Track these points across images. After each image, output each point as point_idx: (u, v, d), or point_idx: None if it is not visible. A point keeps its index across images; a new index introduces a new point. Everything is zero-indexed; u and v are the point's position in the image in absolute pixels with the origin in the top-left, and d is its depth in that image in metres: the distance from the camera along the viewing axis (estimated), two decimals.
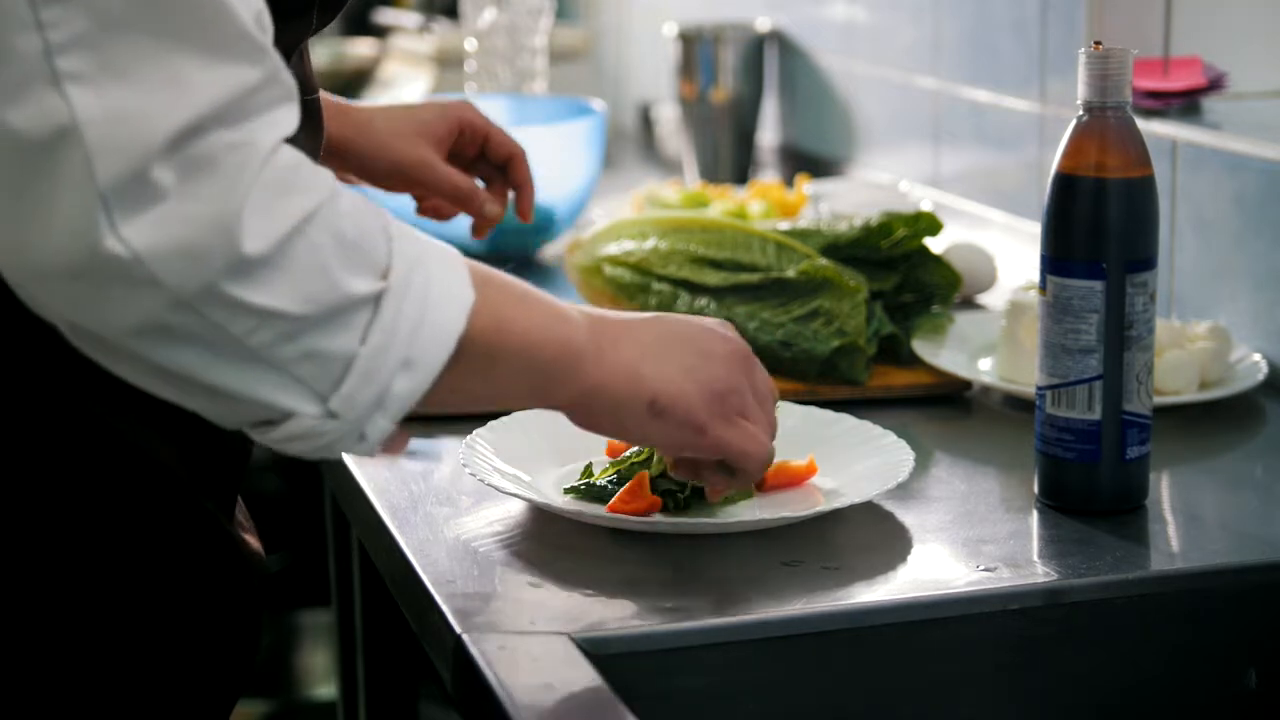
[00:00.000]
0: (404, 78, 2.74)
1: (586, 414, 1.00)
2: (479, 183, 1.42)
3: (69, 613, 0.97)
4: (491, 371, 0.93)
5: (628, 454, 1.15)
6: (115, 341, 0.84)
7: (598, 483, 1.14)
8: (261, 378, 0.85)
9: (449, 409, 0.97)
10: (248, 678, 1.08)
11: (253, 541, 1.09)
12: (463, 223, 1.56)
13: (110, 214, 0.80)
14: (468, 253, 1.53)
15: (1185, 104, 1.57)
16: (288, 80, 0.86)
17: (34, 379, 0.93)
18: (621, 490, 1.11)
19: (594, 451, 1.17)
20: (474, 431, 1.19)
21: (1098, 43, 1.11)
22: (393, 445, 0.94)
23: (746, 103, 2.34)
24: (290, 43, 1.01)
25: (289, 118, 0.86)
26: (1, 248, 0.82)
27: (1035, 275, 1.17)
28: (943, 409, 1.37)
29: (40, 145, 0.80)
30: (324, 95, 1.35)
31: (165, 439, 0.98)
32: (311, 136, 1.07)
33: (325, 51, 3.02)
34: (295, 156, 0.86)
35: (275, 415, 0.87)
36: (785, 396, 1.32)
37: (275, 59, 0.86)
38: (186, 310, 0.82)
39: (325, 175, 0.87)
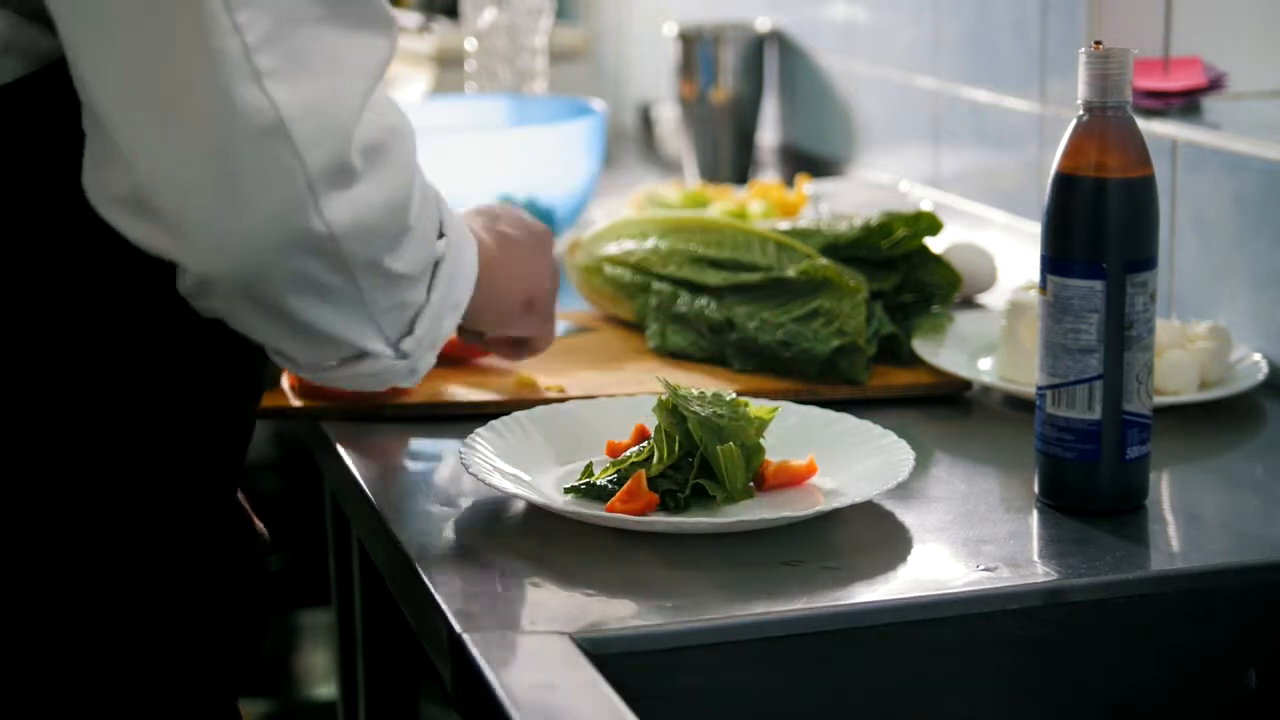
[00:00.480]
0: (404, 78, 2.74)
1: (484, 318, 1.18)
2: None
3: (81, 595, 0.98)
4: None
5: (628, 454, 1.15)
6: (272, 298, 0.91)
7: (598, 483, 1.14)
8: (361, 325, 0.96)
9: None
10: (256, 659, 1.11)
11: (258, 523, 1.11)
12: None
13: (316, 197, 0.88)
14: None
15: (1185, 104, 1.57)
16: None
17: (45, 366, 0.93)
18: (620, 490, 1.11)
19: (594, 451, 1.18)
20: (474, 431, 1.19)
21: (1098, 43, 1.11)
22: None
23: (746, 103, 2.34)
24: None
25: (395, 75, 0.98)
26: (199, 242, 0.88)
27: (1035, 275, 1.17)
28: (943, 409, 1.37)
29: (251, 139, 0.86)
30: None
31: (170, 424, 0.99)
32: None
33: None
34: (382, 124, 0.94)
35: (353, 354, 0.98)
36: (785, 396, 1.32)
37: (397, 24, 0.94)
38: (344, 274, 0.92)
39: (400, 140, 0.95)
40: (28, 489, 0.95)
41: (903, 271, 1.47)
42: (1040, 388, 1.15)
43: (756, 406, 1.18)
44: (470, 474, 1.13)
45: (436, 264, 1.00)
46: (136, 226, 0.89)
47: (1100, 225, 1.11)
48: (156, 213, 0.88)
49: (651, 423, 1.16)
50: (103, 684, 1.00)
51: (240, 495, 1.11)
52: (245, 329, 0.95)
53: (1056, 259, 1.13)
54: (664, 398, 1.14)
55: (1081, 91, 1.11)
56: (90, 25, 0.86)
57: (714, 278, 1.46)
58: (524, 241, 1.21)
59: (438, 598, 1.01)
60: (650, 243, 1.52)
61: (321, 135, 0.88)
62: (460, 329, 1.23)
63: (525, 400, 1.34)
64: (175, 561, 1.01)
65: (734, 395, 1.17)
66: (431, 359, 1.03)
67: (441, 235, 1.01)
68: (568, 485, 1.15)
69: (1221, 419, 1.34)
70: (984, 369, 1.41)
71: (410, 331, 0.99)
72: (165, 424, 0.98)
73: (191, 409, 0.99)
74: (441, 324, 1.02)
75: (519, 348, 1.29)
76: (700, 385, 1.33)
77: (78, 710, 0.99)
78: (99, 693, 1.00)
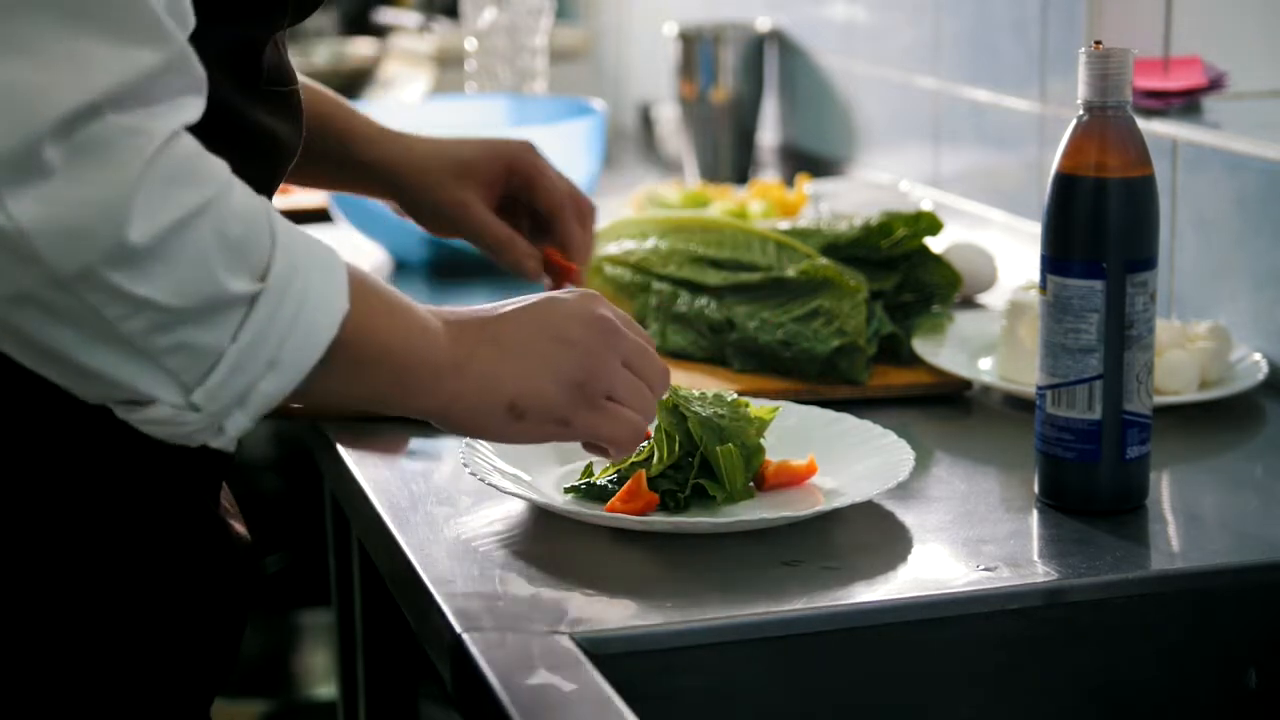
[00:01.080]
0: (404, 78, 2.74)
1: (450, 423, 1.01)
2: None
3: (54, 599, 0.97)
4: (356, 378, 0.94)
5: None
6: None
7: (598, 482, 1.14)
8: (130, 363, 0.86)
9: (319, 409, 0.96)
10: (231, 664, 1.08)
11: (238, 527, 1.09)
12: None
13: None
14: (471, 256, 1.53)
15: (1185, 104, 1.57)
16: (197, 70, 0.87)
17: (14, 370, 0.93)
18: (620, 490, 1.11)
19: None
20: None
21: (1098, 43, 1.11)
22: None
23: (746, 103, 2.34)
24: (263, 34, 1.01)
25: (193, 107, 0.87)
26: None
27: (1035, 275, 1.17)
28: (943, 409, 1.37)
29: None
30: (364, 118, 1.34)
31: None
32: (291, 129, 1.07)
33: (325, 51, 3.02)
34: (193, 146, 0.86)
35: (140, 399, 0.88)
36: (785, 396, 1.32)
37: (185, 47, 0.85)
38: (63, 289, 0.82)
39: (221, 168, 0.87)
40: (7, 485, 0.95)
41: (903, 271, 1.47)
42: (1040, 388, 1.15)
43: (757, 406, 1.18)
44: (470, 474, 1.13)
45: (252, 305, 0.87)
46: None
47: (1100, 225, 1.11)
48: None
49: (650, 423, 1.16)
50: (72, 684, 0.99)
51: (224, 499, 1.10)
52: (6, 348, 0.87)
53: (1056, 259, 1.13)
54: (664, 397, 1.14)
55: (1081, 91, 1.11)
56: None
57: (714, 278, 1.46)
58: (540, 326, 1.03)
59: (438, 598, 1.01)
60: (650, 243, 1.52)
61: (9, 119, 0.80)
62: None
63: None
64: (146, 560, 1.01)
65: (735, 396, 1.17)
66: (243, 423, 0.89)
67: (264, 279, 0.87)
68: (568, 485, 1.15)
69: (1221, 419, 1.34)
70: (984, 369, 1.41)
71: (202, 383, 0.87)
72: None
73: None
74: (254, 383, 0.88)
75: (601, 451, 1.07)
76: (700, 385, 1.33)
77: (46, 709, 0.99)
78: (66, 693, 1.00)
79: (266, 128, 1.02)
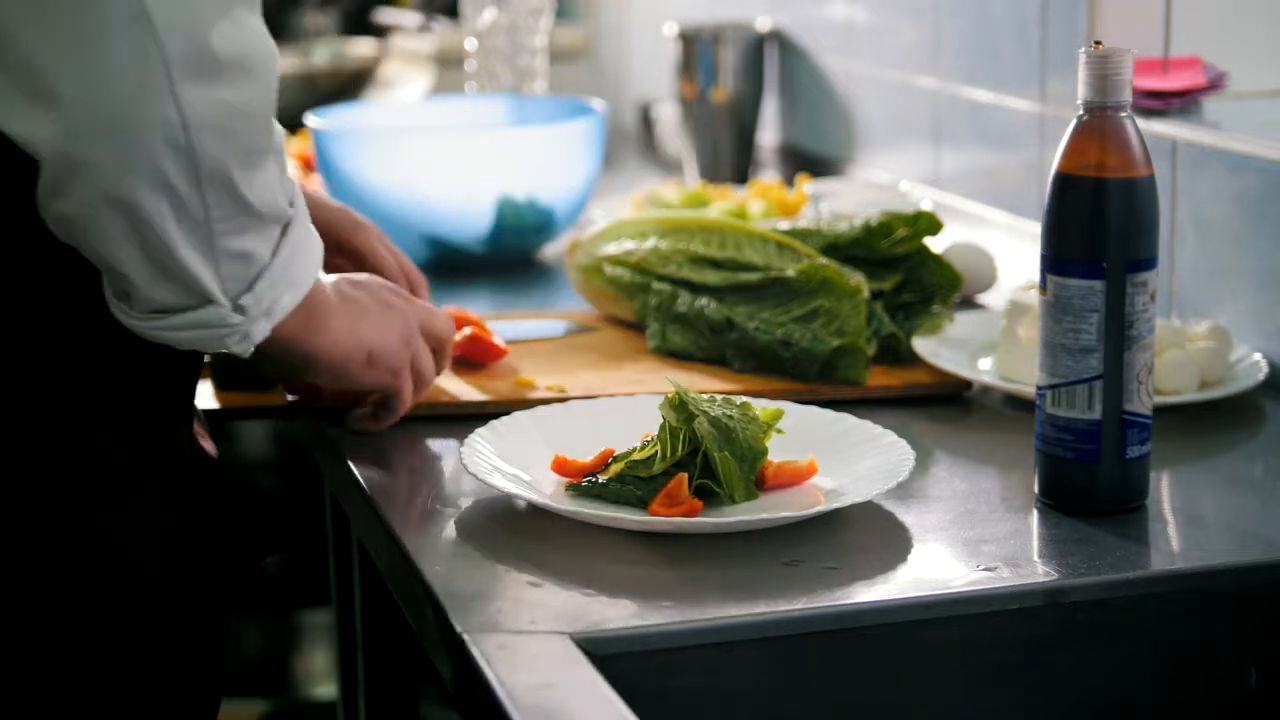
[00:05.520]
0: (404, 77, 2.74)
1: (320, 364, 1.16)
2: None
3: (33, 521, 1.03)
4: (297, 310, 1.08)
5: (628, 451, 1.15)
6: (128, 198, 0.96)
7: (598, 481, 1.14)
8: (206, 261, 1.00)
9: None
10: (231, 590, 1.15)
11: (208, 446, 1.16)
12: (459, 222, 1.55)
13: (173, 82, 0.94)
14: (471, 256, 1.53)
15: (1185, 104, 1.57)
16: None
17: None
18: (660, 493, 1.11)
19: (594, 451, 1.17)
20: (474, 431, 1.19)
21: (1098, 43, 1.11)
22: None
23: (746, 103, 2.35)
24: None
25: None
26: (70, 120, 0.94)
27: (1035, 275, 1.17)
28: (943, 409, 1.37)
29: (116, 22, 0.93)
30: None
31: (113, 347, 1.05)
32: None
33: (325, 51, 3.02)
34: None
35: (194, 301, 1.01)
36: (785, 396, 1.32)
37: None
38: (197, 186, 0.97)
39: None
40: None
41: (903, 271, 1.47)
42: (1040, 387, 1.15)
43: (760, 408, 1.18)
44: (470, 474, 1.14)
45: (286, 227, 1.04)
46: (11, 115, 0.95)
47: (1100, 225, 1.11)
48: (32, 95, 0.94)
49: (651, 423, 1.16)
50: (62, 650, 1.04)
51: (197, 420, 1.17)
52: (98, 245, 0.98)
53: (1056, 259, 1.13)
54: (670, 395, 1.14)
55: (1081, 91, 1.11)
56: None
57: (714, 278, 1.46)
58: (369, 300, 1.21)
59: (438, 598, 1.01)
60: (650, 243, 1.52)
61: (180, 23, 0.94)
62: (298, 383, 1.29)
63: (525, 400, 1.34)
64: (119, 472, 1.06)
65: (742, 400, 1.18)
66: (265, 329, 1.05)
67: (291, 205, 1.05)
68: (568, 485, 1.15)
69: (1221, 419, 1.34)
70: (984, 369, 1.41)
71: (250, 289, 1.02)
72: (112, 335, 1.05)
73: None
74: (280, 295, 1.05)
75: (381, 409, 1.27)
76: (700, 385, 1.33)
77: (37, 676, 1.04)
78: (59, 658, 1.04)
79: None
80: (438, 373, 1.29)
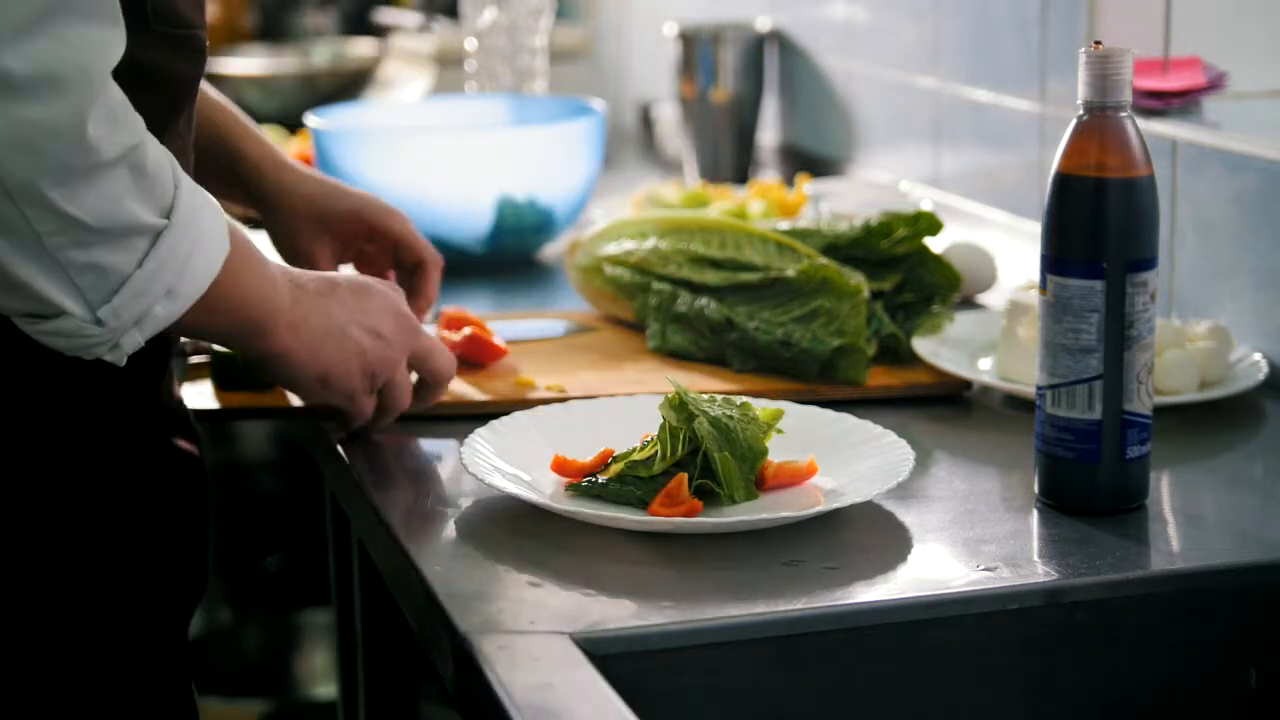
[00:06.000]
0: (404, 77, 2.74)
1: (268, 372, 1.17)
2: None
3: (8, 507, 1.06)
4: (214, 313, 1.07)
5: (628, 451, 1.15)
6: None
7: (598, 481, 1.14)
8: (49, 276, 0.98)
9: (171, 336, 1.11)
10: (201, 572, 1.19)
11: (185, 445, 1.18)
12: (459, 222, 1.55)
13: None
14: (471, 256, 1.54)
15: (1185, 104, 1.57)
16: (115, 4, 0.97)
17: None
18: (660, 493, 1.11)
19: (594, 451, 1.17)
20: (474, 431, 1.19)
21: (1098, 43, 1.11)
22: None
23: (746, 103, 2.34)
24: None
25: (117, 42, 0.97)
26: None
27: (1035, 275, 1.17)
28: (943, 409, 1.37)
29: None
30: (258, 140, 1.45)
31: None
32: (189, 66, 1.16)
33: (325, 51, 3.02)
34: (121, 94, 0.98)
35: (49, 310, 0.99)
36: (785, 396, 1.32)
37: None
38: (7, 199, 0.94)
39: (139, 118, 1.00)
40: None
41: (903, 271, 1.47)
42: (1040, 388, 1.15)
43: (760, 408, 1.18)
44: (470, 474, 1.14)
45: (157, 236, 1.00)
46: None
47: (1100, 225, 1.11)
48: None
49: (651, 423, 1.16)
50: (26, 595, 1.08)
51: (175, 401, 1.20)
52: None
53: (1056, 259, 1.13)
54: (670, 395, 1.14)
55: (1081, 91, 1.11)
56: None
57: (714, 278, 1.46)
58: (346, 318, 1.19)
59: (438, 598, 1.01)
60: (650, 243, 1.52)
61: None
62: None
63: (525, 400, 1.34)
64: (95, 456, 1.10)
65: (743, 400, 1.18)
66: (137, 340, 1.02)
67: (168, 216, 1.01)
68: (568, 485, 1.15)
69: (1221, 419, 1.34)
70: (984, 369, 1.41)
71: (108, 300, 0.99)
72: None
73: None
74: (151, 305, 1.01)
75: (342, 417, 1.26)
76: (700, 385, 1.33)
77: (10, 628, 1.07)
78: (26, 607, 1.08)
79: (160, 65, 1.11)
80: (428, 402, 1.28)
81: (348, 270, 1.48)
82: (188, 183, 1.04)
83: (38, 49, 0.93)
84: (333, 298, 1.18)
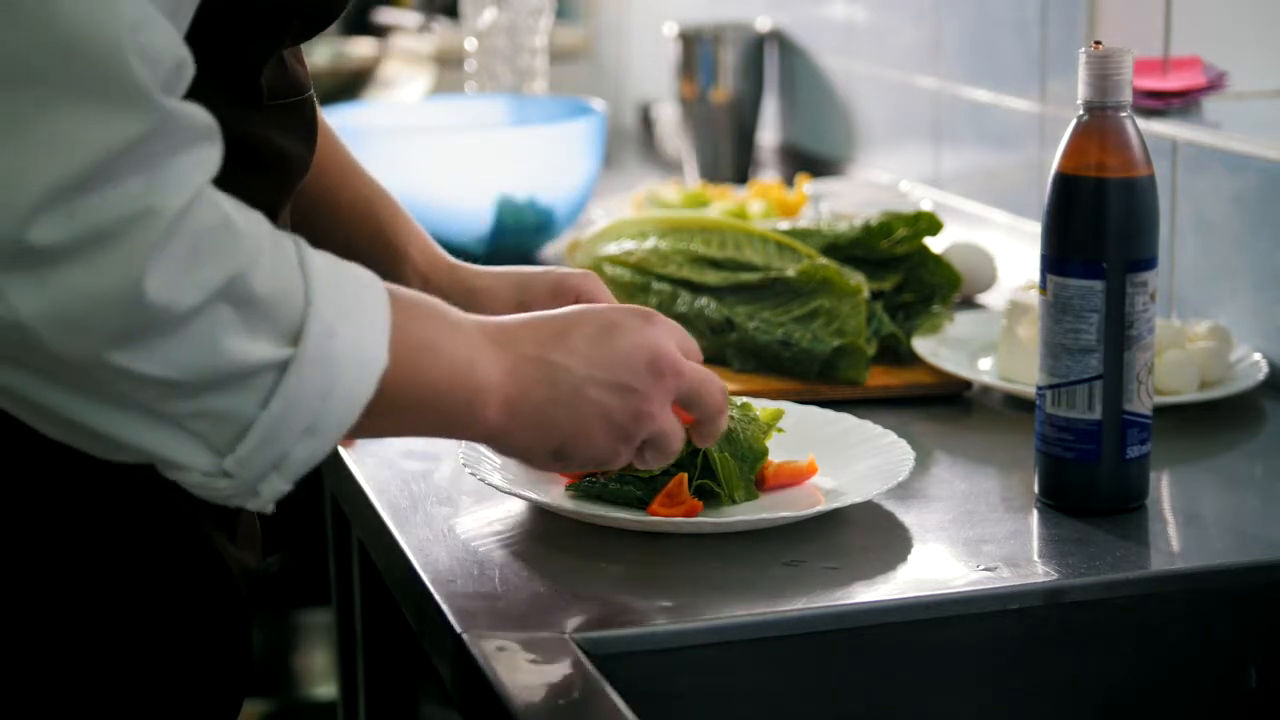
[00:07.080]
0: (404, 77, 2.74)
1: (493, 448, 0.99)
2: None
3: (52, 622, 0.95)
4: (394, 418, 0.91)
5: None
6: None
7: (598, 482, 1.14)
8: (152, 430, 0.83)
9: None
10: (243, 688, 1.06)
11: (246, 557, 1.06)
12: (459, 222, 1.55)
13: None
14: (471, 256, 1.54)
15: (1185, 104, 1.57)
16: (197, 119, 0.81)
17: None
18: (660, 494, 1.11)
19: None
20: None
21: (1098, 43, 1.11)
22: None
23: (746, 103, 2.34)
24: (262, 52, 0.96)
25: (209, 160, 0.82)
26: None
27: (1035, 275, 1.17)
28: (943, 409, 1.37)
29: None
30: (420, 237, 1.25)
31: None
32: (302, 144, 1.02)
33: (325, 51, 3.02)
34: (216, 216, 0.81)
35: (164, 466, 0.84)
36: (785, 396, 1.32)
37: (168, 106, 0.79)
38: (55, 377, 0.80)
39: (249, 235, 0.82)
40: (13, 506, 0.93)
41: (903, 271, 1.47)
42: (1040, 388, 1.15)
43: (760, 408, 1.18)
44: (470, 474, 1.13)
45: (283, 370, 0.83)
46: None
47: (1100, 225, 1.11)
48: None
49: None
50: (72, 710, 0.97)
51: (242, 524, 1.07)
52: (15, 412, 0.84)
53: (1056, 259, 1.13)
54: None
55: (1081, 91, 1.11)
56: None
57: (714, 278, 1.46)
58: (599, 370, 0.98)
59: (438, 598, 1.01)
60: (650, 243, 1.52)
61: None
62: None
63: None
64: (150, 583, 0.98)
65: (743, 400, 1.18)
66: (279, 486, 0.87)
67: (296, 343, 0.84)
68: (568, 485, 1.15)
69: (1221, 419, 1.34)
70: (984, 369, 1.41)
71: (233, 450, 0.84)
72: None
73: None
74: (289, 449, 0.85)
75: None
76: None
77: None
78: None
79: (272, 144, 0.98)
80: (707, 442, 1.06)
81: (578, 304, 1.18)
82: (325, 286, 0.85)
83: (69, 216, 0.77)
84: (561, 351, 0.97)
